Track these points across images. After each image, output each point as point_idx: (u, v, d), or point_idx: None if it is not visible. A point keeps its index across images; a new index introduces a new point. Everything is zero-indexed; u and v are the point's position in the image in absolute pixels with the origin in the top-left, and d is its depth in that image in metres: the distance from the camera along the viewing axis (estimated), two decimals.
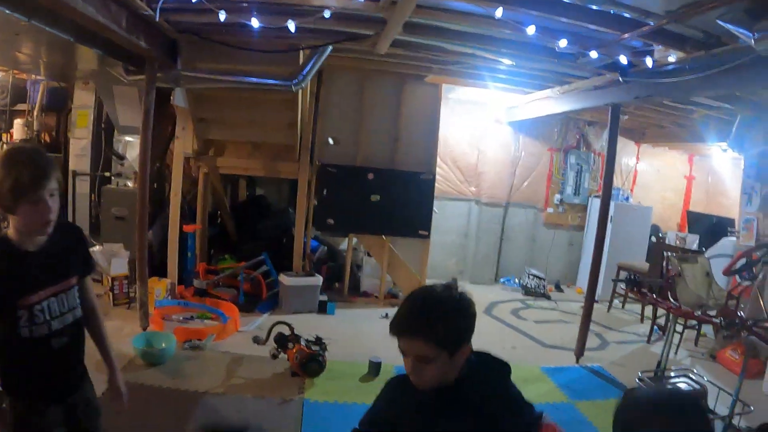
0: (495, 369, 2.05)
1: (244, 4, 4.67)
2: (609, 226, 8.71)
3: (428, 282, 7.81)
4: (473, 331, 1.93)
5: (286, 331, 5.50)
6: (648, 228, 9.66)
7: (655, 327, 7.27)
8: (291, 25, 4.65)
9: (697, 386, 4.92)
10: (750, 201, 7.38)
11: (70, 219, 8.23)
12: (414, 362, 1.86)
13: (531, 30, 4.40)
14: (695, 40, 4.40)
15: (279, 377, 5.18)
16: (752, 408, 4.41)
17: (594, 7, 4.17)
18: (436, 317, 1.86)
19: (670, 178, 10.93)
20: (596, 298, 8.38)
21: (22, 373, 2.31)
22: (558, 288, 9.94)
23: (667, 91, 5.19)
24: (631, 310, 8.65)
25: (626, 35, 4.40)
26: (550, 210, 10.23)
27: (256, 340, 5.64)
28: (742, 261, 5.07)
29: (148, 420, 4.23)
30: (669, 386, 2.67)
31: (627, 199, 9.94)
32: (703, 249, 7.92)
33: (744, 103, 6.45)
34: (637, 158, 10.62)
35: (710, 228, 9.14)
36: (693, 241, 8.91)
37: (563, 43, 4.65)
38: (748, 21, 3.55)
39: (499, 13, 4.17)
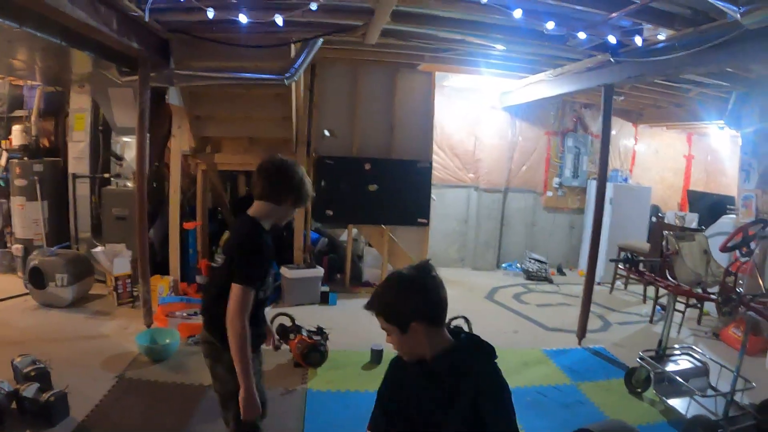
0: (475, 349, 2.16)
1: (232, 0, 4.70)
2: (609, 207, 8.79)
3: None
4: (424, 311, 2.07)
5: (288, 323, 5.55)
6: (648, 208, 9.70)
7: (658, 307, 7.29)
8: (279, 19, 4.67)
9: (698, 364, 4.96)
10: (748, 178, 7.38)
11: (71, 221, 8.31)
12: (389, 336, 2.12)
13: (518, 13, 4.40)
14: (683, 17, 4.44)
15: (282, 368, 5.25)
16: (754, 384, 4.42)
17: None
18: (383, 296, 2.12)
19: (669, 158, 10.93)
20: (598, 280, 8.44)
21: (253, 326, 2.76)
22: (560, 271, 10.01)
23: (658, 69, 5.20)
24: (634, 292, 8.70)
25: (614, 14, 4.43)
26: (549, 194, 10.26)
27: None
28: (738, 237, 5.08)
29: (154, 414, 4.33)
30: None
31: (626, 180, 9.98)
32: (702, 227, 7.95)
33: (739, 80, 6.47)
34: (636, 139, 10.64)
35: (710, 206, 9.16)
36: (692, 220, 8.92)
37: (551, 25, 4.66)
38: None
39: None
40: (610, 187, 9.15)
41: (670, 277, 5.22)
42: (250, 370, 2.65)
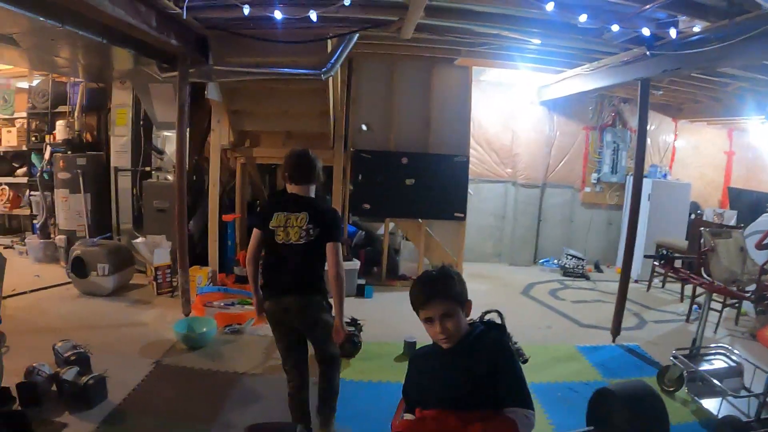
0: (490, 328, 2.66)
1: None
2: (647, 204, 8.69)
3: (464, 265, 7.91)
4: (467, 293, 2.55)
5: None
6: (687, 205, 9.55)
7: (695, 306, 7.21)
8: (313, 15, 4.74)
9: (733, 364, 4.89)
10: None
11: (113, 213, 8.53)
12: (441, 321, 2.43)
13: (550, 6, 4.39)
14: (718, 9, 4.40)
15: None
16: None
17: None
18: (446, 282, 2.49)
19: (709, 153, 10.77)
20: (635, 278, 8.38)
21: None
22: (597, 268, 9.93)
23: (694, 62, 5.15)
24: (671, 290, 8.59)
25: (647, 6, 4.40)
26: (587, 189, 10.21)
27: None
28: None
29: (189, 399, 4.46)
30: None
31: (665, 176, 9.83)
32: (742, 225, 7.82)
33: None
34: (675, 134, 10.49)
35: (751, 204, 9.03)
36: (731, 217, 8.79)
37: (583, 17, 4.63)
38: None
39: None
40: (648, 183, 9.07)
41: (705, 275, 5.16)
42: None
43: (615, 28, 4.86)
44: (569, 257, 9.55)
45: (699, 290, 6.90)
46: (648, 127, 9.87)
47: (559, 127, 10.00)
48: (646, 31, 4.91)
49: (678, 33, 4.86)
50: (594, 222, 10.34)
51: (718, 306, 6.79)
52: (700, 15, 4.51)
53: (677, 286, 8.30)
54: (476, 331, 2.56)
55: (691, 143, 10.63)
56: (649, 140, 10.22)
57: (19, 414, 3.80)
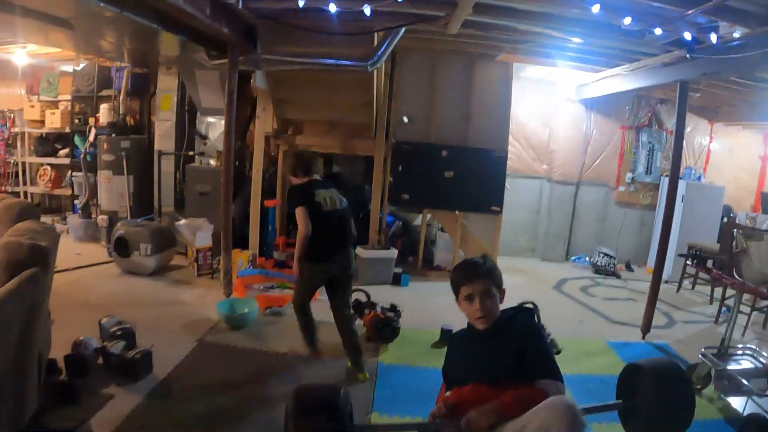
0: (522, 312, 3.00)
1: None
2: (680, 205, 8.72)
3: (499, 258, 8.02)
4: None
5: (363, 298, 5.79)
6: (720, 208, 9.52)
7: (724, 308, 7.21)
8: (367, 9, 4.87)
9: (760, 365, 4.93)
10: None
11: (155, 196, 8.76)
12: (481, 300, 2.75)
13: (596, 8, 4.49)
14: (758, 15, 4.46)
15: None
16: None
17: None
18: (490, 267, 2.87)
19: (744, 157, 10.73)
20: (666, 278, 8.41)
21: None
22: (628, 267, 9.96)
23: (733, 66, 5.22)
24: (701, 292, 8.57)
25: (690, 11, 4.46)
26: (621, 188, 10.23)
27: None
28: None
29: (232, 376, 4.61)
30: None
31: (699, 178, 9.82)
32: None
33: None
34: (710, 137, 10.48)
35: None
36: (764, 221, 8.78)
37: (627, 20, 4.73)
38: None
39: None
40: (682, 185, 9.08)
41: (736, 275, 5.23)
42: None
43: (658, 31, 4.95)
44: (601, 255, 9.58)
45: (729, 293, 6.92)
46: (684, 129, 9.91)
47: (596, 126, 10.04)
48: (687, 35, 4.98)
49: (719, 38, 4.93)
50: (627, 221, 10.35)
51: (747, 309, 6.81)
52: (740, 21, 4.58)
53: (707, 288, 8.29)
54: (507, 315, 2.87)
55: (726, 146, 10.60)
56: (684, 142, 10.21)
57: (68, 384, 3.95)
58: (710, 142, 10.48)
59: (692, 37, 5.09)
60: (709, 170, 10.44)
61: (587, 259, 9.97)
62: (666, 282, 8.78)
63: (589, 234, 10.33)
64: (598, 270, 9.48)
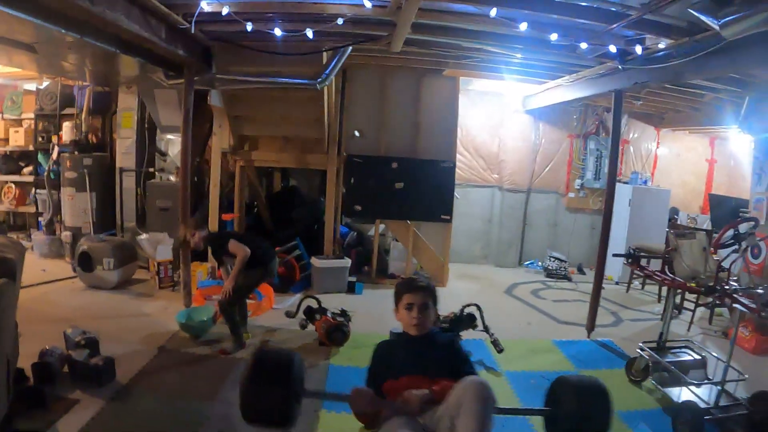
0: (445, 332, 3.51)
1: (269, 15, 5.15)
2: (628, 209, 9.05)
3: (453, 265, 8.28)
4: None
5: (314, 305, 5.99)
6: (667, 211, 9.84)
7: None
8: (309, 33, 5.15)
9: (697, 357, 5.19)
10: (760, 181, 7.46)
11: (117, 212, 8.88)
12: (420, 310, 3.11)
13: (523, 26, 4.80)
14: (679, 28, 4.77)
15: (308, 346, 5.70)
16: (746, 376, 4.67)
17: (582, 4, 4.57)
18: (431, 286, 3.24)
19: (691, 161, 11.08)
20: (617, 280, 8.75)
21: None
22: (580, 271, 10.26)
23: (660, 76, 5.52)
24: (650, 291, 8.86)
25: (613, 26, 4.77)
26: (571, 195, 10.51)
27: (288, 314, 6.08)
28: (729, 234, 5.32)
29: (191, 381, 4.83)
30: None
31: (645, 182, 10.14)
32: (714, 229, 8.12)
33: (750, 84, 6.66)
34: (657, 143, 10.81)
35: (731, 210, 9.25)
36: (704, 222, 9.09)
37: (554, 36, 5.04)
38: (713, 9, 3.90)
39: (493, 12, 4.62)
40: (629, 189, 9.45)
41: (669, 273, 5.53)
42: None
43: (584, 45, 5.25)
44: (552, 259, 9.86)
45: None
46: (631, 136, 10.30)
47: (545, 135, 10.32)
48: (613, 48, 5.31)
49: (644, 49, 5.24)
50: (577, 226, 10.62)
51: (694, 306, 7.10)
52: (663, 33, 4.88)
53: (656, 288, 8.56)
54: (435, 329, 3.32)
55: (674, 151, 10.95)
56: (631, 148, 10.59)
57: (36, 390, 4.14)
58: (657, 147, 10.81)
59: (622, 49, 5.40)
60: (657, 175, 10.80)
61: (539, 264, 10.26)
62: (617, 283, 9.14)
63: (541, 240, 10.59)
64: (549, 274, 9.75)
